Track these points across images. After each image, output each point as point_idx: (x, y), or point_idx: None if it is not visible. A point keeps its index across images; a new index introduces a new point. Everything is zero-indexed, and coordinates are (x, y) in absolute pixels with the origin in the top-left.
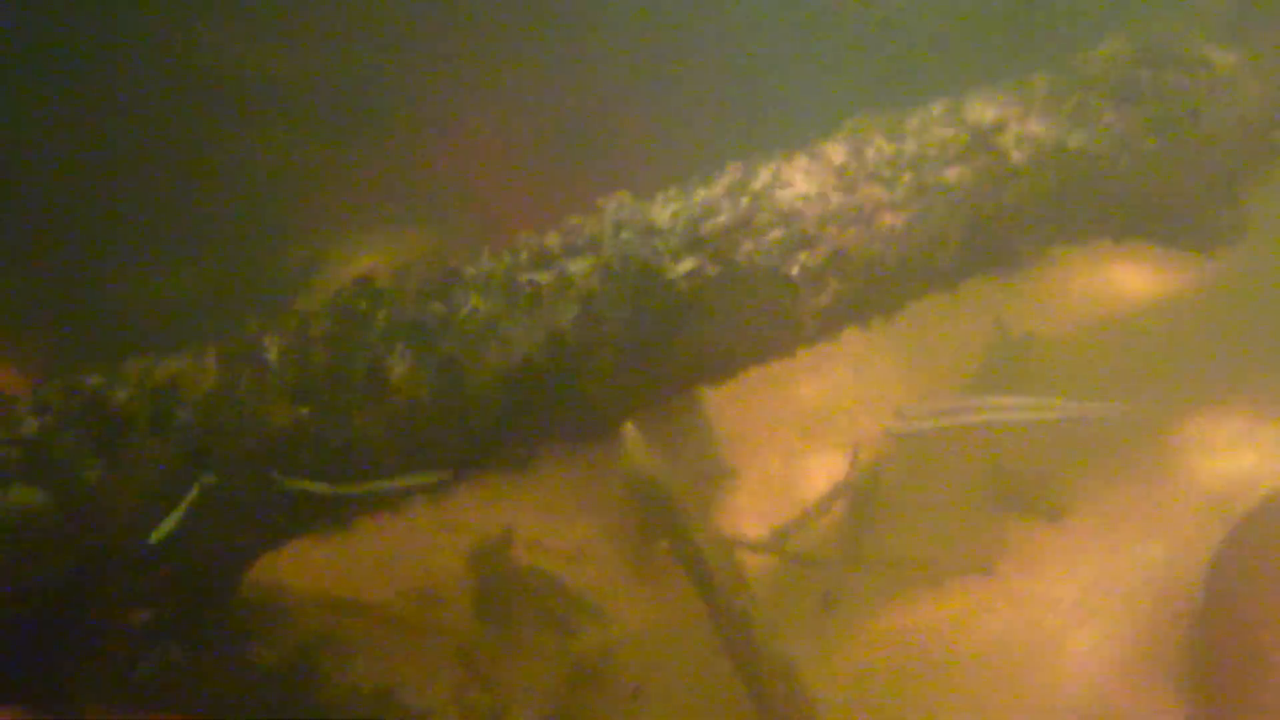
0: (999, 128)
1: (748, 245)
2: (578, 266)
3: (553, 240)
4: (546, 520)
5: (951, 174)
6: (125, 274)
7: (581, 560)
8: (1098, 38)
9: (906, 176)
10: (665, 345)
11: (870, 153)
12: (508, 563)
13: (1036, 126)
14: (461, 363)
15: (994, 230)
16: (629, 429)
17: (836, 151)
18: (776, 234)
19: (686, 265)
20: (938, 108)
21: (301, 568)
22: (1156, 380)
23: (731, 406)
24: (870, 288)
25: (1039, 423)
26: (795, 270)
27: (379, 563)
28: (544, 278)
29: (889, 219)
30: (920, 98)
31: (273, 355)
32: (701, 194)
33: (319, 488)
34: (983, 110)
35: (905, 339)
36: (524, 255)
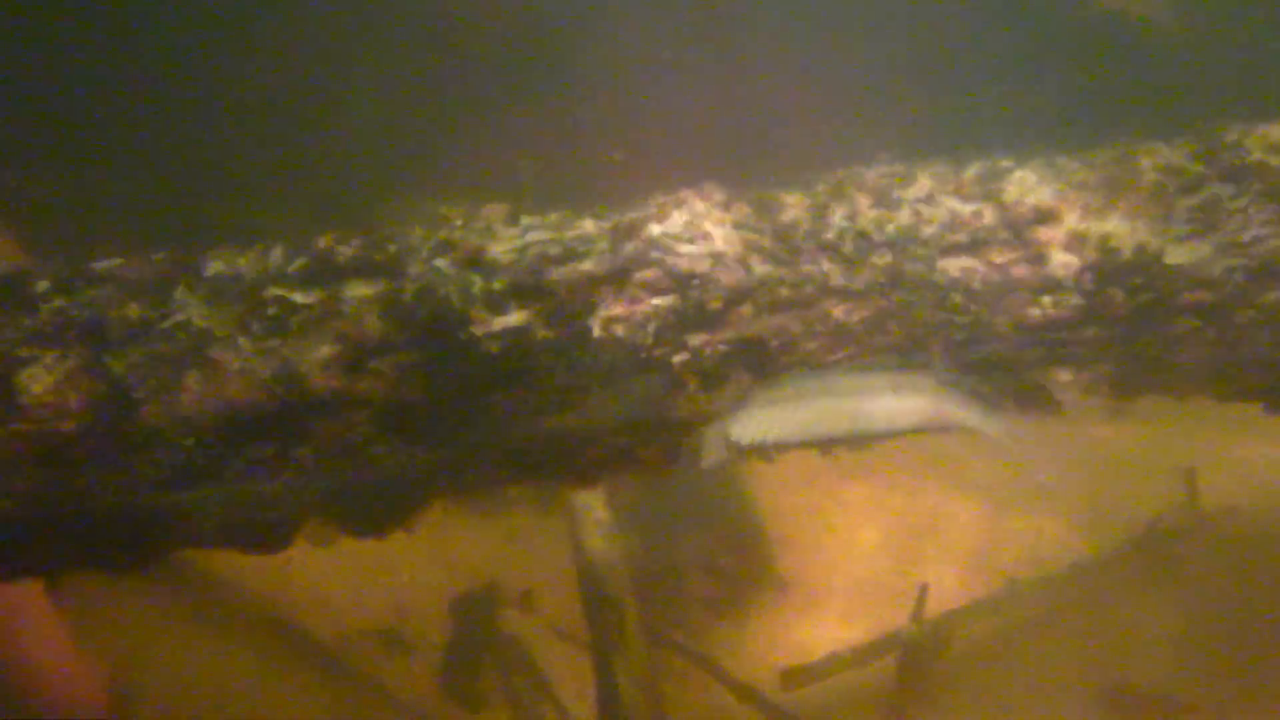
0: (1046, 217)
1: (616, 309)
2: (357, 292)
3: (347, 250)
4: (556, 576)
5: (952, 266)
6: (222, 201)
7: (566, 636)
8: None
9: (881, 257)
10: (459, 424)
11: (838, 215)
12: (491, 621)
13: (1116, 223)
14: (135, 391)
15: (1006, 356)
16: (589, 497)
17: (794, 205)
18: (662, 301)
19: (507, 320)
20: (972, 170)
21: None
22: None
23: (804, 492)
24: None
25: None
26: (681, 356)
27: (354, 588)
28: (303, 298)
29: (837, 310)
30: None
31: None
32: (586, 227)
33: None
34: (1033, 188)
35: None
36: (299, 262)
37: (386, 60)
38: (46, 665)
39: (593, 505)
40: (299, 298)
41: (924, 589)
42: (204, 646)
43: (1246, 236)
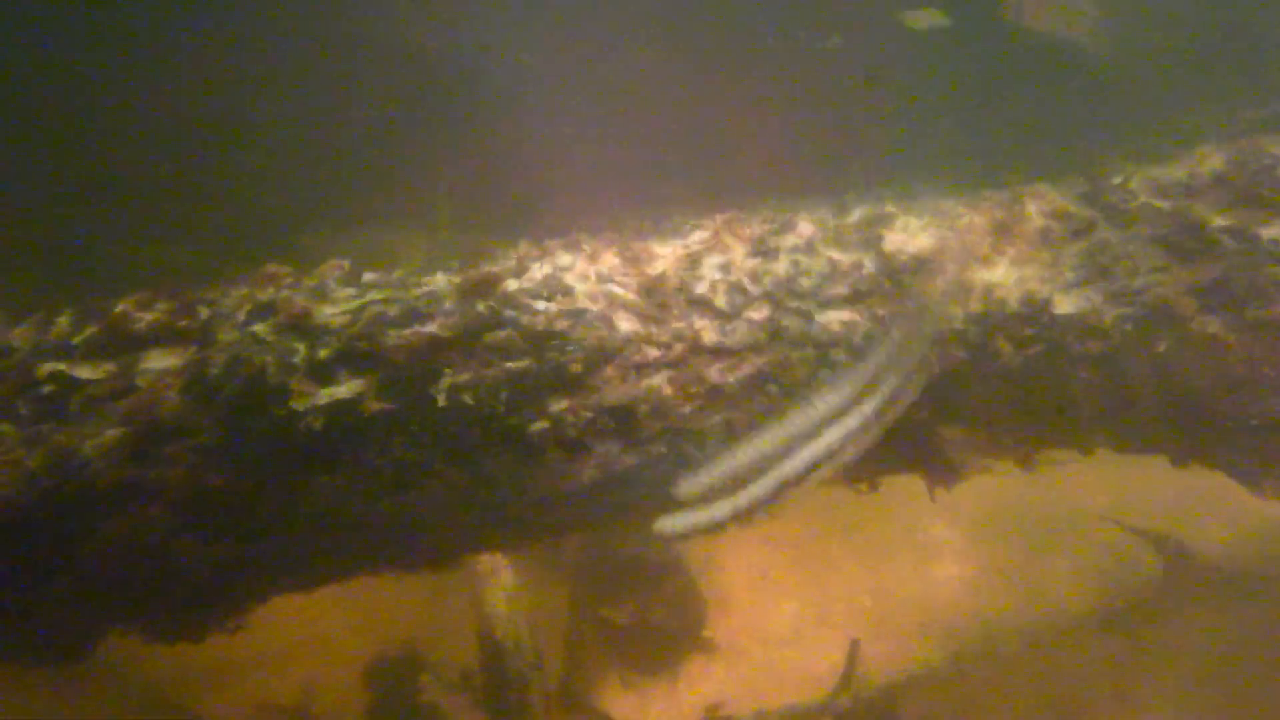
0: (924, 266)
1: (463, 376)
2: (156, 364)
3: (147, 315)
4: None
5: (833, 319)
6: (124, 232)
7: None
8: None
9: (758, 311)
10: (276, 512)
11: (710, 267)
12: (410, 690)
13: (1003, 271)
14: None
15: (893, 413)
16: (491, 562)
17: (665, 256)
18: (516, 365)
19: (335, 392)
20: (855, 215)
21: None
22: None
23: (736, 549)
24: (675, 467)
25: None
26: (539, 425)
27: (259, 663)
28: (89, 373)
29: (711, 370)
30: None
31: None
32: (436, 283)
33: None
34: (913, 235)
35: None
36: (89, 330)
37: (300, 91)
38: None
39: (496, 569)
40: (84, 373)
41: (855, 644)
42: None
43: (1137, 283)
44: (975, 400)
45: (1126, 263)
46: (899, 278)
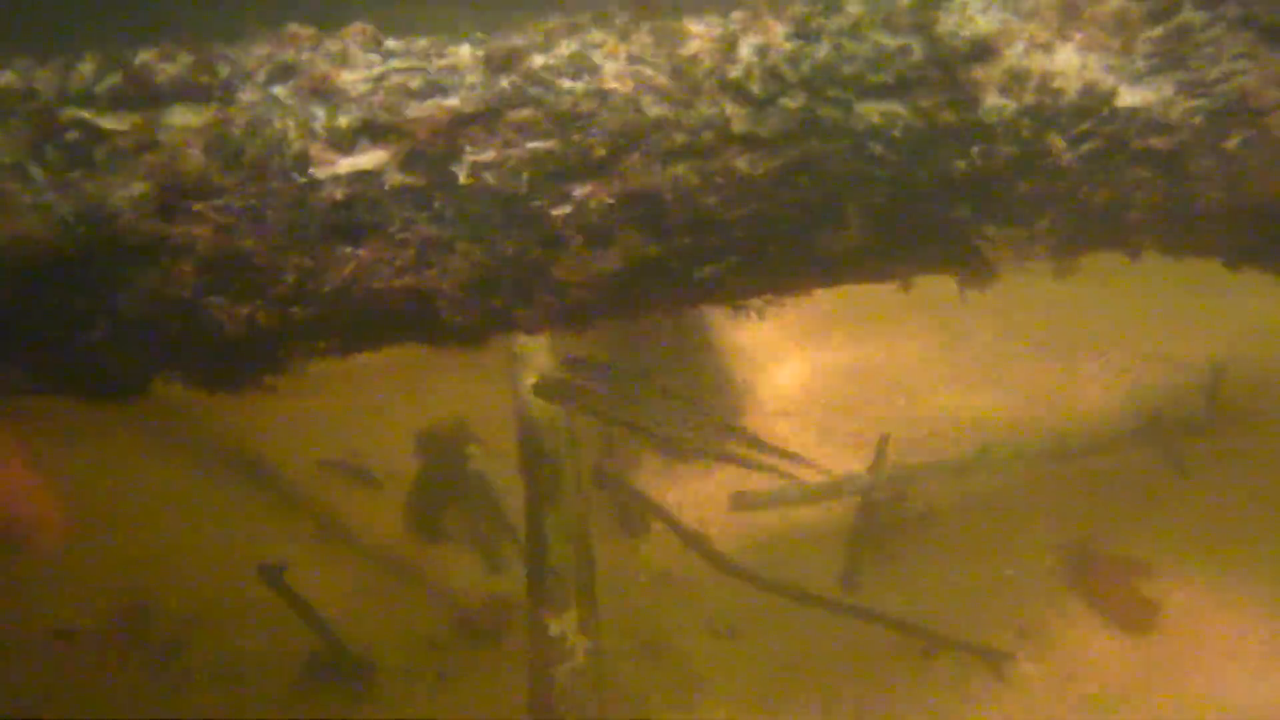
0: (983, 52)
1: (486, 154)
2: (181, 120)
3: (169, 68)
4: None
5: (873, 110)
6: None
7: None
8: None
9: (794, 99)
10: (301, 281)
11: (746, 49)
12: (456, 457)
13: (1066, 59)
14: None
15: (932, 213)
16: (530, 344)
17: (699, 37)
18: (539, 145)
19: (356, 162)
20: None
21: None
22: None
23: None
24: (699, 258)
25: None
26: (562, 209)
27: (326, 422)
28: (113, 123)
29: (741, 161)
30: None
31: None
32: (460, 56)
33: None
34: (973, 18)
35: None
36: (111, 80)
37: None
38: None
39: (535, 351)
40: (107, 123)
41: (885, 439)
42: (169, 473)
43: (1215, 73)
44: (1020, 199)
45: (1208, 49)
46: (949, 65)
